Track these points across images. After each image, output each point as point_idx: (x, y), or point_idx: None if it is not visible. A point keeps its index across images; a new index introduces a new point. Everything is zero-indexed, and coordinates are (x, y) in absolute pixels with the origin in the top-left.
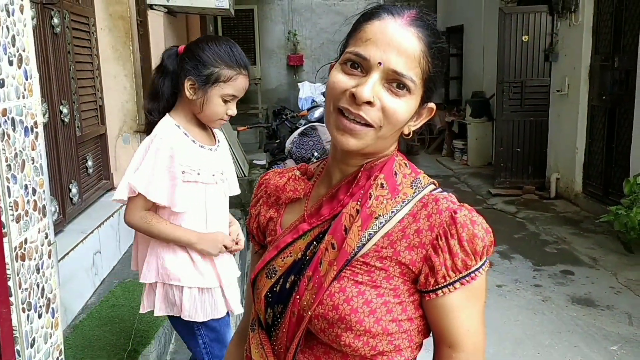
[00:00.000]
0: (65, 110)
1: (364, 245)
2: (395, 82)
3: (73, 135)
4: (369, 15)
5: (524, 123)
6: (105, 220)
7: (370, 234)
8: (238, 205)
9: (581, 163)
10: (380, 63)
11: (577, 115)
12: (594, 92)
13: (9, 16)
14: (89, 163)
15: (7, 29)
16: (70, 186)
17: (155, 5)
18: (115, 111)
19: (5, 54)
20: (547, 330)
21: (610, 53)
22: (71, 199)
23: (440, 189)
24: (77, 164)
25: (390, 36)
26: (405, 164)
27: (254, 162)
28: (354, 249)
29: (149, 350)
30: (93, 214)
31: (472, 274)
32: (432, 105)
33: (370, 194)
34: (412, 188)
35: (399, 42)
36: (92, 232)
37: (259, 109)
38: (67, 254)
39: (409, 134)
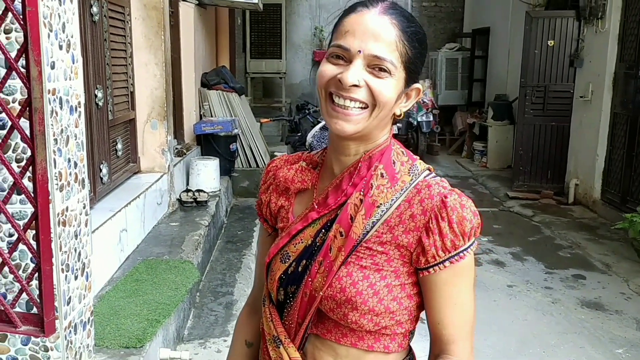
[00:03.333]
0: (99, 95)
1: (368, 232)
2: (377, 66)
3: (105, 118)
4: (347, 11)
5: (545, 127)
6: (132, 200)
7: (373, 222)
8: (257, 195)
9: (601, 170)
10: (360, 51)
11: (599, 122)
12: (617, 99)
13: (60, 5)
14: (119, 146)
15: (59, 16)
16: (101, 166)
17: None
18: (145, 98)
19: (57, 39)
20: (554, 330)
21: (635, 61)
22: (101, 178)
23: (433, 174)
24: (108, 146)
25: (366, 25)
26: (402, 152)
27: (275, 153)
28: (359, 236)
29: (169, 322)
30: (120, 194)
31: (461, 254)
32: (418, 85)
33: (371, 184)
34: (410, 175)
35: (374, 29)
36: (119, 210)
37: (283, 103)
38: (97, 229)
39: (400, 114)
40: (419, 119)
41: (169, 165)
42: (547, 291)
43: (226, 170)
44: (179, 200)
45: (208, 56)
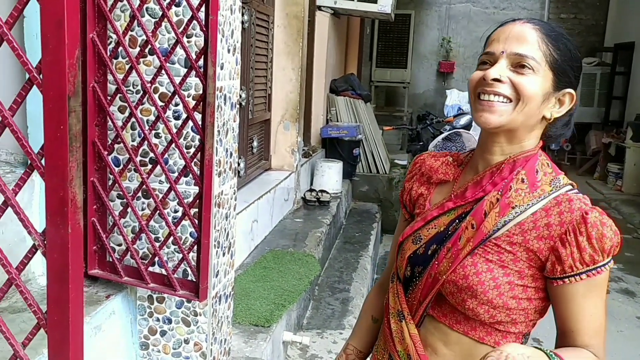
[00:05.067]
0: (243, 95)
1: (498, 229)
2: (519, 64)
3: (246, 117)
4: (494, 29)
5: None
6: (263, 195)
7: (505, 220)
8: (376, 200)
9: None
10: (503, 52)
11: None
12: None
13: (231, 14)
14: (254, 143)
15: (229, 24)
16: (239, 161)
17: (324, 6)
18: (280, 100)
19: (227, 44)
20: None
21: None
22: (238, 172)
23: (576, 190)
24: (245, 143)
25: (510, 31)
26: (548, 163)
27: (395, 161)
28: (489, 231)
29: (292, 308)
30: (253, 188)
31: (599, 269)
32: (570, 90)
33: (510, 186)
34: (551, 186)
35: (517, 33)
36: (252, 202)
37: (405, 112)
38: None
39: (550, 118)
40: None
41: (296, 165)
42: None
43: (348, 173)
44: (303, 198)
45: (337, 63)
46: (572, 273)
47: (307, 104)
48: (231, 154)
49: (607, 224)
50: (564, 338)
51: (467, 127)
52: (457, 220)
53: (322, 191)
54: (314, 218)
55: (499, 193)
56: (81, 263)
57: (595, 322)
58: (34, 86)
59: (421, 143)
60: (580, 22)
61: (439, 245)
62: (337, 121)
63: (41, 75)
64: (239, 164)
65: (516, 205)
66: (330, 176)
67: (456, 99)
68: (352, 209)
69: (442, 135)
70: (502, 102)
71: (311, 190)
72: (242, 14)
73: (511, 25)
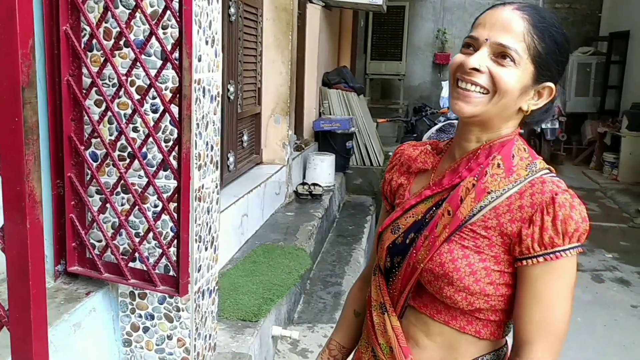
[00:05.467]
0: (231, 89)
1: (474, 215)
2: (501, 54)
3: (235, 111)
4: (486, 9)
5: None
6: (253, 189)
7: (481, 206)
8: (370, 193)
9: None
10: (487, 39)
11: None
12: None
13: (208, 4)
14: (245, 138)
15: (207, 14)
16: (228, 155)
17: None
18: (270, 94)
19: (204, 35)
20: None
21: None
22: (228, 166)
23: (553, 174)
24: (235, 137)
25: (497, 17)
26: (525, 148)
27: (389, 153)
28: (465, 217)
29: (282, 302)
30: (244, 182)
31: (557, 253)
32: (550, 84)
33: (486, 171)
34: (527, 170)
35: (503, 20)
36: (242, 197)
37: (400, 104)
38: (222, 212)
39: (527, 110)
40: (544, 126)
41: (288, 159)
42: None
43: (341, 166)
44: (295, 192)
45: (330, 56)
46: (529, 255)
47: (298, 97)
48: (212, 147)
49: (576, 207)
50: (514, 329)
51: None
52: (434, 208)
53: (315, 184)
54: (306, 212)
55: (475, 179)
56: (42, 259)
57: (546, 313)
58: None
59: (415, 135)
60: (575, 12)
61: (417, 233)
62: (330, 114)
63: None
64: (228, 158)
65: (492, 191)
66: (323, 169)
67: None
68: (346, 202)
69: (436, 127)
70: (479, 92)
71: (303, 183)
72: (229, 7)
73: (500, 9)
